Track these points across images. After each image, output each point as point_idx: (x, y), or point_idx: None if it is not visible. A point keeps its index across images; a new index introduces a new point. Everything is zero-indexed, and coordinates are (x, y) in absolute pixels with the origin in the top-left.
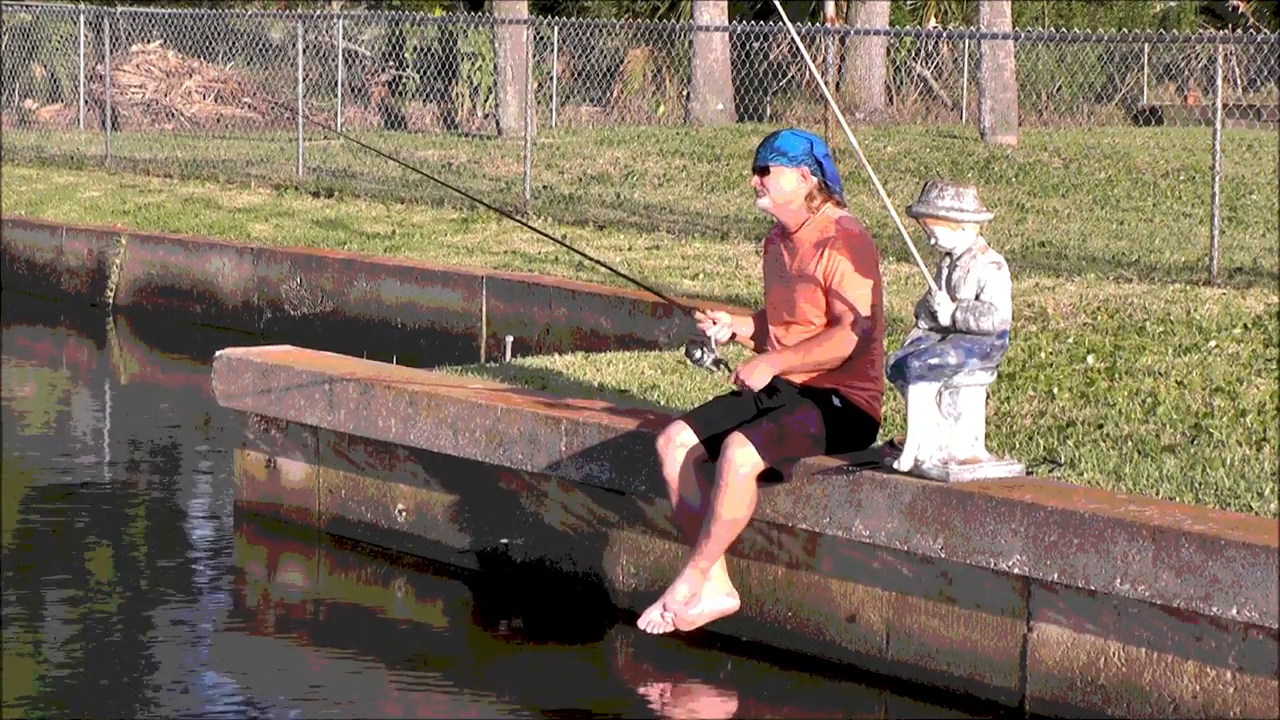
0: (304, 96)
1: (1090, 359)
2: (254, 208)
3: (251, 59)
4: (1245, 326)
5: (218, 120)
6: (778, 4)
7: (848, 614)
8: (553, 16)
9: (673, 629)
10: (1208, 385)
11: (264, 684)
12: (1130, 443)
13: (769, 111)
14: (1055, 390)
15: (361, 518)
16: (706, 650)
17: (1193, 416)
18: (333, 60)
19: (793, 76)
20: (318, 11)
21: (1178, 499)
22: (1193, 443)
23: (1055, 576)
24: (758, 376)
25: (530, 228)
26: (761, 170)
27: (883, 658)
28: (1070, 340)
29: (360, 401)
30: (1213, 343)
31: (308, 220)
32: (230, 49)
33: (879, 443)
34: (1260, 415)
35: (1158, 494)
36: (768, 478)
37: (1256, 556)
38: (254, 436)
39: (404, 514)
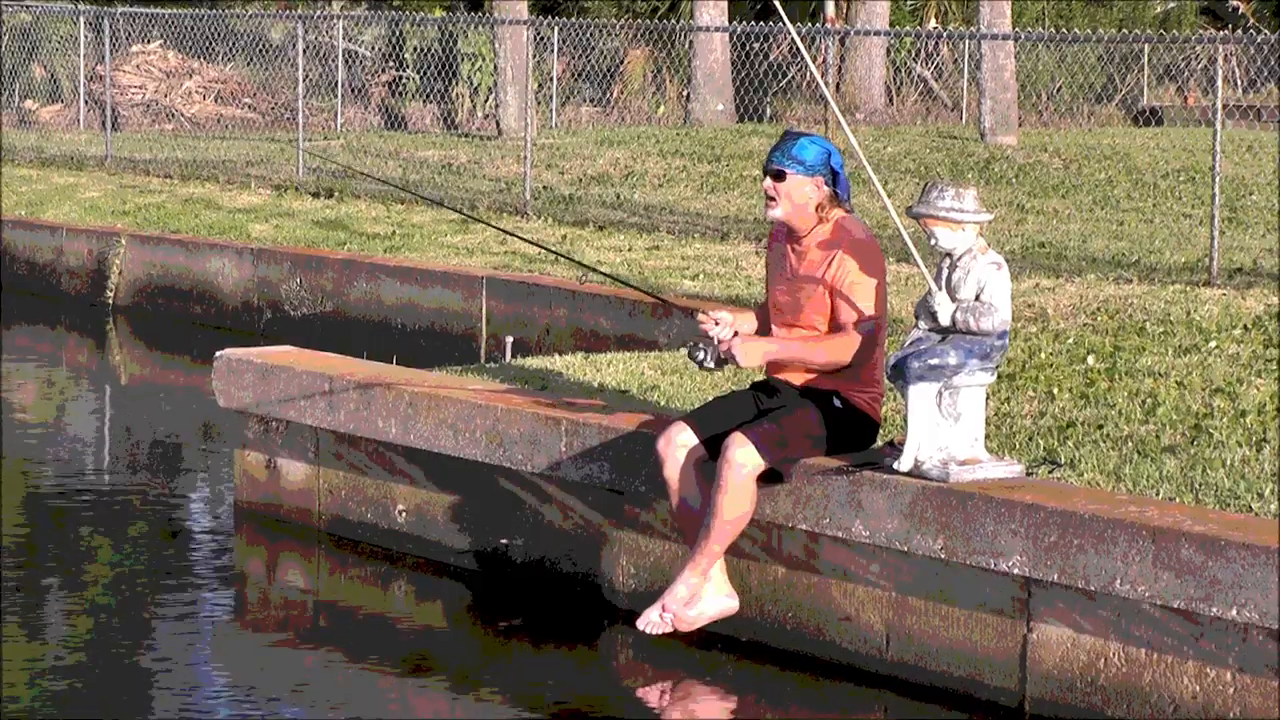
0: (304, 97)
1: (1090, 359)
2: (254, 208)
3: (251, 59)
4: (1245, 327)
5: (218, 121)
6: (778, 4)
7: (847, 614)
8: (553, 17)
9: (671, 630)
10: (1208, 386)
11: (264, 684)
12: (1130, 443)
13: (769, 112)
14: (1055, 391)
15: (361, 518)
16: (706, 651)
17: (1193, 417)
18: (333, 61)
19: (793, 77)
20: (318, 12)
21: (1178, 499)
22: (1193, 443)
23: (1055, 577)
24: (747, 355)
25: (519, 237)
26: (776, 174)
27: (883, 658)
28: (1070, 341)
29: (360, 402)
30: (1213, 343)
31: (308, 220)
32: (230, 49)
33: (879, 443)
34: (1260, 416)
35: (1158, 494)
36: (768, 478)
37: (1256, 557)
38: (254, 437)
39: (404, 514)
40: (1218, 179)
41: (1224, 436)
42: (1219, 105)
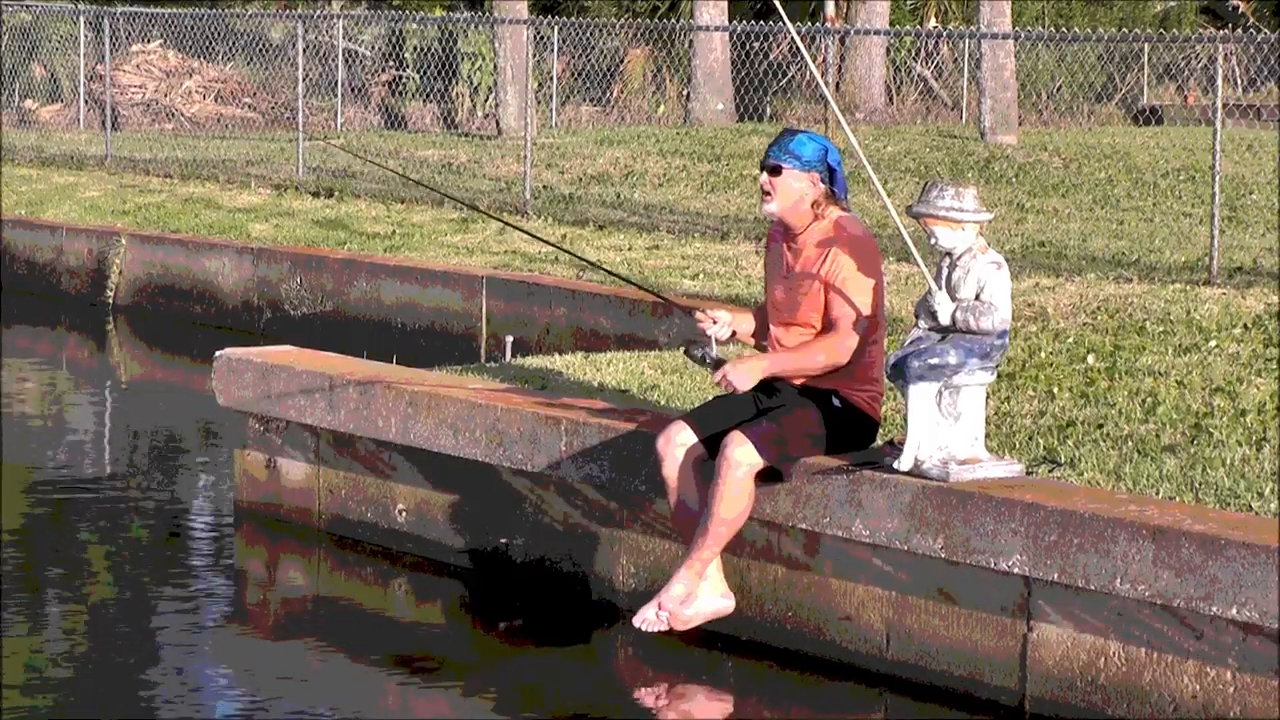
0: (304, 96)
1: (1090, 359)
2: (254, 208)
3: (251, 59)
4: (1245, 326)
5: (218, 120)
6: (778, 4)
7: (847, 614)
8: (553, 16)
9: (667, 628)
10: (1208, 385)
11: (263, 684)
12: (1130, 443)
13: (769, 111)
14: (1055, 390)
15: (361, 518)
16: (707, 650)
17: (1193, 416)
18: (333, 60)
19: (793, 76)
20: (318, 11)
21: (1178, 499)
22: (1193, 443)
23: (1055, 576)
24: (743, 378)
25: (523, 230)
26: (773, 169)
27: (883, 658)
28: (1070, 340)
29: (360, 401)
30: (1213, 342)
31: (308, 220)
32: (230, 49)
33: (879, 443)
34: (1260, 415)
35: (1158, 494)
36: (768, 478)
37: (1256, 556)
38: (254, 436)
39: (404, 514)
40: (1218, 178)
41: (1224, 436)
42: (1219, 104)
